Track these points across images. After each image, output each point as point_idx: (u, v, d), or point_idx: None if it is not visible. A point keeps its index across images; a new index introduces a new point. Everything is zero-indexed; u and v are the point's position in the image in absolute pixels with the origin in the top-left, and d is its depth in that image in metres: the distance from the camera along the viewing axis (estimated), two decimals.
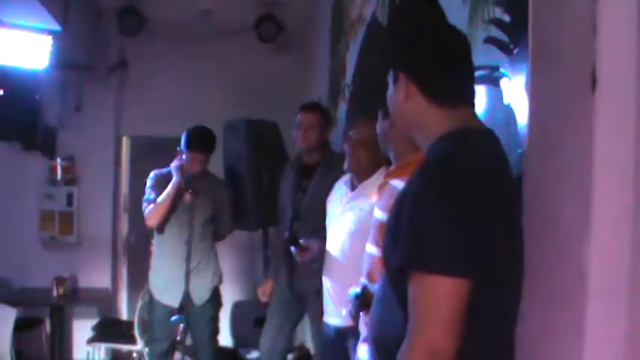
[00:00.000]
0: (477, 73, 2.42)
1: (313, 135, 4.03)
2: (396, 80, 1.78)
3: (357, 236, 3.03)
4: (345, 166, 3.26)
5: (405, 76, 1.75)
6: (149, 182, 4.46)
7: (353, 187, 3.30)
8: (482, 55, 2.37)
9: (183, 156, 4.33)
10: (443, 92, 1.73)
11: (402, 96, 1.75)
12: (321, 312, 3.44)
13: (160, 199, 4.31)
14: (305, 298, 4.01)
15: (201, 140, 4.35)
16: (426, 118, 1.73)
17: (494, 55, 2.26)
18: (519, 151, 2.00)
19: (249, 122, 5.26)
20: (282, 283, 4.14)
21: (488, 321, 1.59)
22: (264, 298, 4.30)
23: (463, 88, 1.77)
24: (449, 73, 1.75)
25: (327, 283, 3.36)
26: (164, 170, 4.47)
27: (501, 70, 2.24)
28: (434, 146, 1.69)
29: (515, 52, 2.15)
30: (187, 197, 4.35)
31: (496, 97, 2.29)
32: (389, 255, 1.66)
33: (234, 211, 4.72)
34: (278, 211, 4.33)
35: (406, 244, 1.54)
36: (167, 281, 4.44)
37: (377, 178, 3.05)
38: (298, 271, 4.00)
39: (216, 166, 4.98)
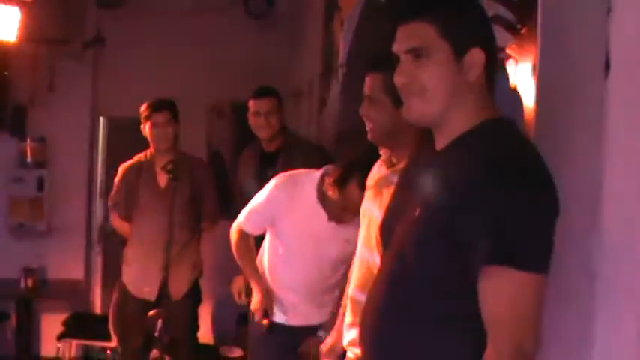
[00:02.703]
0: None
1: (275, 121, 4.10)
2: (460, 56, 1.64)
3: None
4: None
5: (482, 51, 1.64)
6: (116, 179, 4.49)
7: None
8: None
9: (147, 129, 4.33)
10: (495, 70, 1.72)
11: (470, 76, 1.64)
12: None
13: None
14: None
15: (158, 101, 4.38)
16: (476, 97, 1.66)
17: (500, 36, 2.25)
18: None
19: (235, 105, 5.25)
20: None
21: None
22: (240, 298, 4.34)
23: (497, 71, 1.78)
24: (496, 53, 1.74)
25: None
26: (135, 161, 4.47)
27: (507, 51, 2.23)
28: (479, 134, 1.64)
29: (522, 32, 2.14)
30: (165, 181, 4.33)
31: (501, 80, 2.28)
32: (432, 257, 1.61)
33: (219, 198, 4.70)
34: (234, 204, 4.33)
35: (491, 240, 1.51)
36: (143, 273, 4.43)
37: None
38: None
39: (199, 150, 4.98)
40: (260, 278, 3.45)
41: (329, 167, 3.30)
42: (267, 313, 3.35)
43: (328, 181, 3.19)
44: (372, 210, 2.49)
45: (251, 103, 4.16)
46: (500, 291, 1.52)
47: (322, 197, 3.24)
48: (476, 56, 1.64)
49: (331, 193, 3.16)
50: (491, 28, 1.71)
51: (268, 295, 3.39)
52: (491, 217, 1.50)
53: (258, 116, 4.09)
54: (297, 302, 3.40)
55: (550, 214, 1.54)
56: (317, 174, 3.32)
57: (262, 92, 4.18)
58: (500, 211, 1.50)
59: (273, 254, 3.45)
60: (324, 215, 3.26)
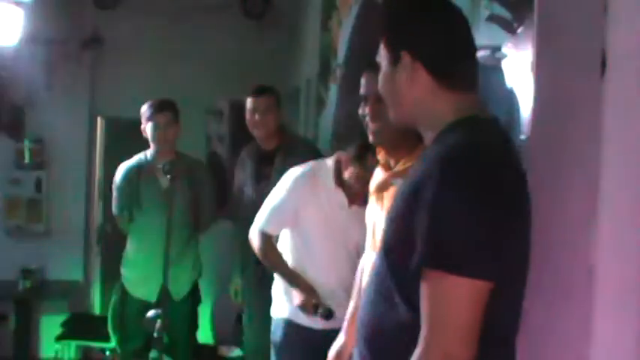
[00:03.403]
0: (478, 54, 2.43)
1: (272, 119, 4.10)
2: (395, 61, 1.69)
3: None
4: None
5: (410, 54, 1.66)
6: (116, 182, 4.51)
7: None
8: (483, 34, 2.37)
9: (148, 129, 4.33)
10: (453, 72, 1.67)
11: (405, 78, 1.67)
12: None
13: None
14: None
15: (159, 101, 4.37)
16: (435, 105, 1.67)
17: (497, 35, 2.26)
18: (523, 138, 2.00)
19: (233, 104, 5.25)
20: (250, 276, 4.22)
21: (501, 326, 1.57)
22: (238, 299, 4.38)
23: (470, 70, 1.72)
24: (459, 52, 1.69)
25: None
26: (134, 161, 4.47)
27: (504, 50, 2.24)
28: (445, 135, 1.63)
29: (519, 31, 2.15)
30: (165, 181, 4.34)
31: (498, 79, 2.28)
32: (395, 252, 1.61)
33: (217, 198, 4.72)
34: (231, 203, 4.35)
35: (425, 241, 1.50)
36: (142, 274, 4.44)
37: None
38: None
39: (198, 151, 4.98)
40: (299, 276, 3.36)
41: (340, 152, 3.32)
42: (317, 307, 3.30)
43: (345, 159, 3.21)
44: (375, 214, 2.49)
45: (248, 101, 4.17)
46: (430, 294, 1.50)
47: (341, 182, 3.25)
48: (404, 60, 1.67)
49: (349, 174, 3.19)
50: (432, 30, 1.68)
51: (312, 290, 3.32)
52: (427, 217, 1.50)
53: (255, 114, 4.09)
54: (333, 293, 3.33)
55: (492, 217, 1.49)
56: (329, 161, 3.33)
57: (260, 90, 4.19)
58: (434, 211, 1.49)
59: (296, 253, 3.40)
60: (344, 201, 3.27)
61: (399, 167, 2.38)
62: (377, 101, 2.27)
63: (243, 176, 4.31)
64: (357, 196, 3.18)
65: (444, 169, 1.52)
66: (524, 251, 1.59)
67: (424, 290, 1.51)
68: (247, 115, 4.15)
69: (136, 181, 4.44)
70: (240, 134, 5.16)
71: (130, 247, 4.55)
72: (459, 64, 1.69)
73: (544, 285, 1.69)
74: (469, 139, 1.58)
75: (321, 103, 5.22)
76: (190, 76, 6.45)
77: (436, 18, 1.70)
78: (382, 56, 1.74)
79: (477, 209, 1.47)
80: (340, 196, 3.27)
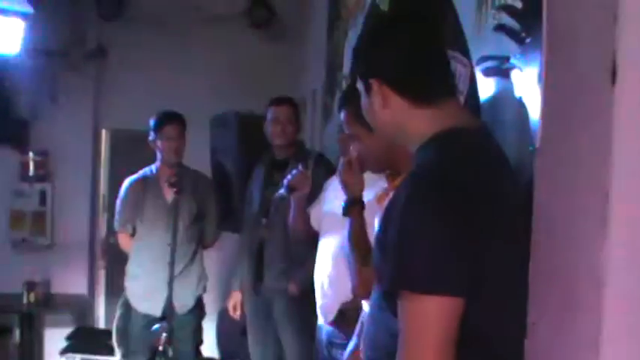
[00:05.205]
0: (485, 64, 2.43)
1: (292, 129, 4.16)
2: (368, 90, 1.76)
3: None
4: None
5: (377, 81, 1.73)
6: (121, 196, 4.50)
7: None
8: (491, 44, 2.37)
9: (158, 143, 4.33)
10: (422, 89, 1.71)
11: (379, 104, 1.74)
12: (290, 313, 3.64)
13: None
14: (273, 301, 4.11)
15: (170, 113, 4.42)
16: (410, 122, 1.72)
17: (505, 45, 2.26)
18: (531, 148, 2.00)
19: (239, 115, 5.26)
20: (249, 290, 4.29)
21: (484, 337, 1.59)
22: (236, 314, 4.41)
23: (442, 79, 1.76)
24: (425, 66, 1.73)
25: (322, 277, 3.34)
26: (140, 175, 4.48)
27: (512, 60, 2.23)
28: (420, 152, 1.69)
29: (527, 40, 2.15)
30: (170, 195, 4.34)
31: (506, 90, 2.29)
32: (380, 271, 1.65)
33: (221, 211, 4.73)
34: (239, 217, 4.43)
35: (392, 260, 1.54)
36: (147, 288, 4.45)
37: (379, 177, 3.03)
38: (265, 272, 4.14)
39: (202, 163, 4.97)
40: None
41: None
42: None
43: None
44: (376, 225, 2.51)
45: (270, 111, 4.21)
46: (401, 313, 1.53)
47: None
48: (374, 87, 1.73)
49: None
50: (393, 52, 1.73)
51: None
52: (393, 237, 1.53)
53: (277, 123, 4.15)
54: None
55: (454, 234, 1.50)
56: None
57: (282, 100, 4.26)
58: (399, 230, 1.52)
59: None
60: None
61: (398, 181, 2.41)
62: (349, 137, 2.57)
63: (253, 185, 4.34)
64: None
65: (410, 188, 1.57)
66: (505, 262, 1.61)
67: (398, 309, 1.55)
68: (268, 124, 4.19)
69: (141, 194, 4.45)
70: (246, 146, 5.16)
71: (134, 261, 4.57)
72: (426, 79, 1.73)
73: (549, 297, 1.67)
74: (436, 155, 1.63)
75: (327, 113, 5.23)
76: (195, 87, 6.47)
77: (396, 40, 1.74)
78: (360, 88, 1.82)
79: (437, 227, 1.50)
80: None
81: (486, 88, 2.43)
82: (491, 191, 1.61)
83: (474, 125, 1.74)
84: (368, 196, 3.06)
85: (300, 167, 3.55)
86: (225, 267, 5.28)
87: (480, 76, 2.43)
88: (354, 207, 2.65)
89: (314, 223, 3.49)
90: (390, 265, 1.55)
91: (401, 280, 1.52)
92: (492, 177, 1.64)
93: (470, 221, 1.53)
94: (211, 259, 4.83)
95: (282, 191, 3.58)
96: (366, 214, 2.68)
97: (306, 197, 3.55)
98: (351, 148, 2.61)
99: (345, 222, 2.89)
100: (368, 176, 3.10)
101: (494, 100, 2.40)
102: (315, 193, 3.56)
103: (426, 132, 1.68)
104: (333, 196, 3.35)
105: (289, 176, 3.55)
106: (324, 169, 3.80)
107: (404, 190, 1.58)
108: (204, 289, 4.61)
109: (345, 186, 2.71)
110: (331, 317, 3.17)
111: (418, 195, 1.54)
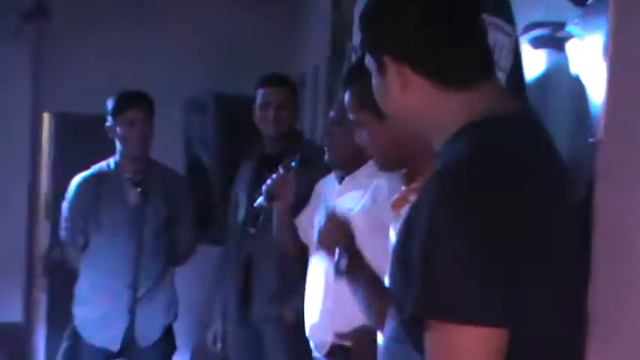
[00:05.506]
0: (534, 33, 2.46)
1: (286, 116, 4.21)
2: (381, 69, 1.76)
3: None
4: (326, 157, 3.36)
5: (393, 59, 1.72)
6: (69, 197, 4.53)
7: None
8: (541, 7, 2.39)
9: (118, 130, 4.38)
10: (452, 68, 1.71)
11: (395, 87, 1.73)
12: (284, 346, 3.69)
13: None
14: (263, 332, 4.16)
15: (133, 93, 4.45)
16: (436, 110, 1.72)
17: (560, 8, 2.27)
18: (591, 140, 2.02)
19: (220, 98, 5.27)
20: (234, 317, 4.32)
21: None
22: (216, 347, 4.44)
23: (478, 54, 1.75)
24: (455, 38, 1.72)
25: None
26: (94, 171, 4.50)
27: (569, 28, 2.25)
28: (448, 147, 1.68)
29: (589, 2, 2.16)
30: (134, 197, 4.36)
31: (560, 66, 2.30)
32: (399, 295, 1.65)
33: (198, 218, 4.77)
34: (221, 226, 4.46)
35: (417, 282, 1.53)
36: (102, 316, 4.46)
37: (369, 168, 3.07)
38: (254, 295, 4.18)
39: (174, 157, 5.00)
40: None
41: None
42: None
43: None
44: (393, 232, 2.53)
45: (260, 93, 4.25)
46: (428, 348, 1.54)
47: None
48: (389, 66, 1.73)
49: None
50: (412, 22, 1.73)
51: None
52: (418, 253, 1.53)
53: (268, 108, 4.18)
54: None
55: (497, 246, 1.50)
56: None
57: (274, 80, 4.29)
58: (425, 243, 1.52)
59: None
60: None
61: (417, 183, 2.42)
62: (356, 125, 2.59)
63: (239, 185, 4.38)
64: None
65: (437, 192, 1.56)
66: (551, 282, 1.60)
67: (425, 341, 1.54)
68: (257, 109, 4.23)
69: (96, 196, 4.45)
70: (229, 136, 5.18)
71: (85, 281, 4.56)
72: (457, 55, 1.72)
73: (609, 323, 1.68)
74: (470, 150, 1.60)
75: (332, 95, 5.24)
76: (165, 62, 6.44)
77: (418, 4, 1.74)
78: (370, 66, 1.81)
79: (474, 239, 1.50)
80: None
81: (535, 63, 2.45)
82: (540, 195, 1.61)
83: (518, 112, 1.74)
84: (357, 200, 3.12)
85: (280, 170, 3.58)
86: (203, 288, 5.28)
87: (526, 48, 2.45)
88: (354, 263, 2.65)
89: (303, 235, 3.53)
90: (413, 288, 1.54)
91: (428, 307, 1.51)
92: (542, 177, 1.64)
93: (515, 232, 1.53)
94: (185, 278, 4.82)
95: (260, 201, 3.62)
96: (360, 225, 2.75)
97: (289, 207, 3.60)
98: (356, 136, 2.63)
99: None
100: (361, 173, 3.19)
101: (544, 78, 2.42)
102: (304, 197, 3.60)
103: (457, 122, 1.68)
104: (329, 200, 3.38)
105: (268, 181, 3.58)
106: (314, 166, 3.81)
107: (429, 194, 1.57)
108: (175, 317, 4.62)
109: (329, 248, 2.75)
110: (324, 351, 3.22)
111: (448, 200, 1.53)
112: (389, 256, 2.64)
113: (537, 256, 1.57)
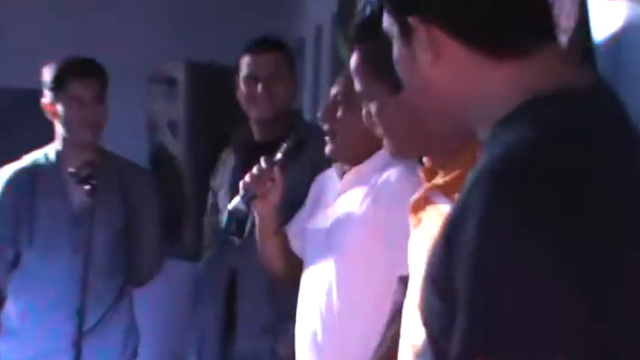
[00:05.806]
0: None
1: (281, 92, 4.21)
2: (406, 35, 1.74)
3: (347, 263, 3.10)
4: (328, 148, 3.28)
5: (422, 20, 1.70)
6: None
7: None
8: None
9: (59, 109, 4.37)
10: (500, 33, 1.70)
11: (425, 58, 1.71)
12: None
13: None
14: None
15: (80, 61, 4.46)
16: (480, 86, 1.71)
17: None
18: None
19: (193, 69, 5.30)
20: (214, 354, 4.35)
21: None
22: None
23: (533, 14, 1.73)
24: None
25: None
26: (28, 163, 4.50)
27: None
28: (498, 132, 1.66)
29: None
30: (80, 197, 4.35)
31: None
32: (438, 330, 1.63)
33: (165, 225, 4.77)
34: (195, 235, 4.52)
35: (466, 316, 1.50)
36: (37, 354, 4.48)
37: (378, 157, 3.10)
38: (239, 324, 4.19)
39: (135, 145, 5.01)
40: None
41: None
42: None
43: None
44: (413, 242, 2.55)
45: (245, 61, 4.25)
46: None
47: None
48: (417, 29, 1.70)
49: None
50: None
51: None
52: (467, 274, 1.50)
53: (255, 82, 4.18)
54: None
55: (569, 270, 1.47)
56: None
57: (263, 45, 4.28)
58: (478, 263, 1.50)
59: None
60: None
61: (441, 178, 2.42)
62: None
63: (219, 182, 4.37)
64: None
65: (490, 194, 1.52)
66: None
67: None
68: (240, 83, 4.24)
69: (29, 196, 4.45)
70: (204, 118, 5.19)
71: (14, 309, 4.57)
72: (506, 17, 1.70)
73: None
74: (533, 136, 1.57)
75: (339, 64, 5.25)
76: (123, 24, 6.51)
77: None
78: (390, 30, 1.81)
79: (548, 260, 1.46)
80: None
81: (607, 19, 2.44)
82: (627, 192, 1.57)
83: (587, 83, 1.70)
84: (357, 201, 3.12)
85: (262, 161, 3.50)
86: (172, 316, 5.28)
87: (595, 1, 2.44)
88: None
89: (295, 245, 3.52)
90: (461, 324, 1.51)
91: (484, 347, 1.49)
92: (632, 171, 1.61)
93: (600, 248, 1.49)
94: (147, 303, 4.83)
95: (236, 202, 3.56)
96: (359, 238, 2.84)
97: (274, 211, 3.55)
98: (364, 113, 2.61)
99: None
100: (366, 164, 3.20)
101: (619, 40, 2.41)
102: (297, 200, 3.62)
103: (508, 100, 1.66)
104: (329, 200, 3.40)
105: (247, 177, 3.51)
106: (314, 156, 3.80)
107: (478, 198, 1.53)
108: (135, 355, 4.63)
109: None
110: None
111: (508, 205, 1.50)
112: (393, 271, 2.69)
113: (619, 277, 1.52)
